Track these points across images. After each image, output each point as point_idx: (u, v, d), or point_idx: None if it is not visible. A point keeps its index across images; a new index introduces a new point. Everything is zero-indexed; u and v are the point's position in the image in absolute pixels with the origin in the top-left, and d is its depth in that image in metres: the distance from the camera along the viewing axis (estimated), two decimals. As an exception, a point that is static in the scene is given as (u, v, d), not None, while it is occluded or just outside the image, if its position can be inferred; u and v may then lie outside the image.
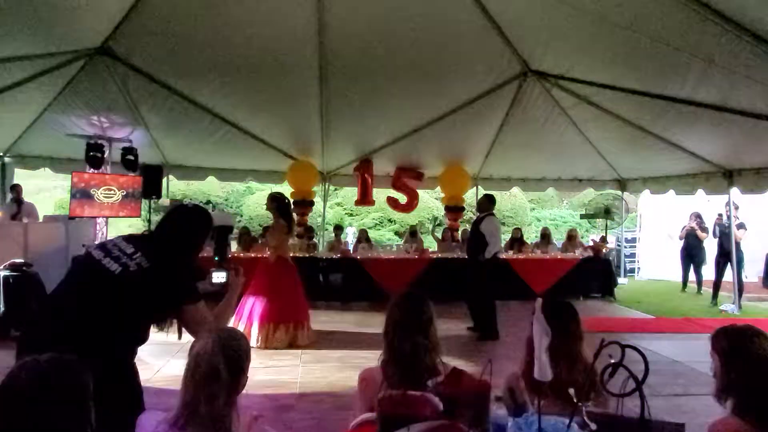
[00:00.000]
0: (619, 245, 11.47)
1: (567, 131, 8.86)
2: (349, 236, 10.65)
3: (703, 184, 8.53)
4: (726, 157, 7.49)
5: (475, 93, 7.83)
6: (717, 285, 8.62)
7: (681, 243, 10.05)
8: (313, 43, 6.60)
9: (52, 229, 7.90)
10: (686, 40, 4.53)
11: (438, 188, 11.74)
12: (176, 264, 2.08)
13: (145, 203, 10.35)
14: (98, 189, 8.37)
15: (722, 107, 5.61)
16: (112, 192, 8.53)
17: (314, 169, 9.59)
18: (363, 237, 9.67)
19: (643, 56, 5.28)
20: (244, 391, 1.61)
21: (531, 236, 15.15)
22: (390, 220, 17.03)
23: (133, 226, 12.14)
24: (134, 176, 8.89)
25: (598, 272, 9.05)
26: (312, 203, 10.14)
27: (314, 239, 9.73)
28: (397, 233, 16.52)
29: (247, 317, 5.58)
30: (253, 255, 8.03)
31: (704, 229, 9.60)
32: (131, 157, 8.68)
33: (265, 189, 10.47)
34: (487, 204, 6.40)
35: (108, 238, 2.25)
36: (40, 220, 8.35)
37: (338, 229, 10.56)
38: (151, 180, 9.49)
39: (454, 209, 10.47)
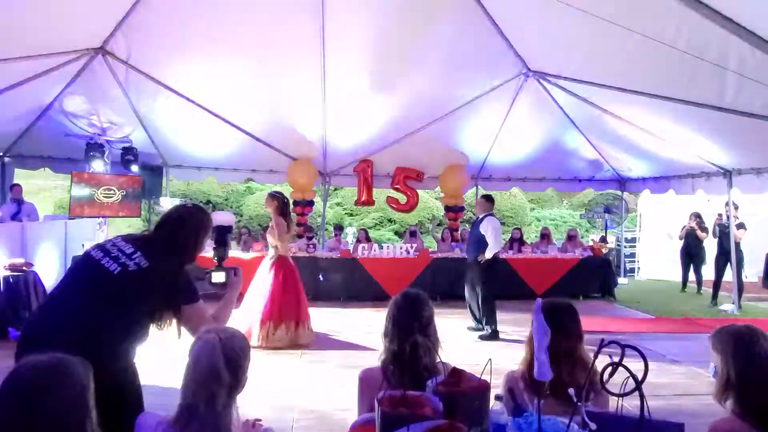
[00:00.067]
0: (619, 245, 11.47)
1: (567, 131, 8.88)
2: (349, 236, 10.63)
3: (703, 184, 8.53)
4: (726, 157, 7.49)
5: (475, 93, 7.84)
6: (717, 285, 8.62)
7: (681, 243, 10.05)
8: (315, 42, 6.60)
9: (52, 229, 7.91)
10: (687, 40, 4.53)
11: (438, 188, 11.75)
12: (176, 264, 2.08)
13: (144, 203, 10.36)
14: (98, 189, 8.38)
15: (722, 107, 5.61)
16: (112, 192, 8.54)
17: (314, 169, 9.59)
18: (363, 237, 9.67)
19: (642, 56, 5.28)
20: (244, 391, 1.61)
21: (531, 236, 15.15)
22: (390, 220, 17.02)
23: (133, 226, 12.13)
24: (134, 176, 8.89)
25: (598, 272, 9.04)
26: (312, 203, 10.14)
27: (314, 239, 9.73)
28: (397, 233, 16.52)
29: (247, 316, 5.58)
30: (252, 255, 8.03)
31: (704, 229, 9.60)
32: (131, 157, 8.69)
33: (265, 189, 10.45)
34: (486, 204, 6.40)
35: (107, 238, 2.24)
36: (40, 220, 8.34)
37: (338, 229, 10.55)
38: (151, 180, 9.51)
39: (454, 209, 10.48)
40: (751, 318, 7.31)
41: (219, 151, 9.21)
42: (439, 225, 12.23)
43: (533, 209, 19.30)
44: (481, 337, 6.13)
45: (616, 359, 1.40)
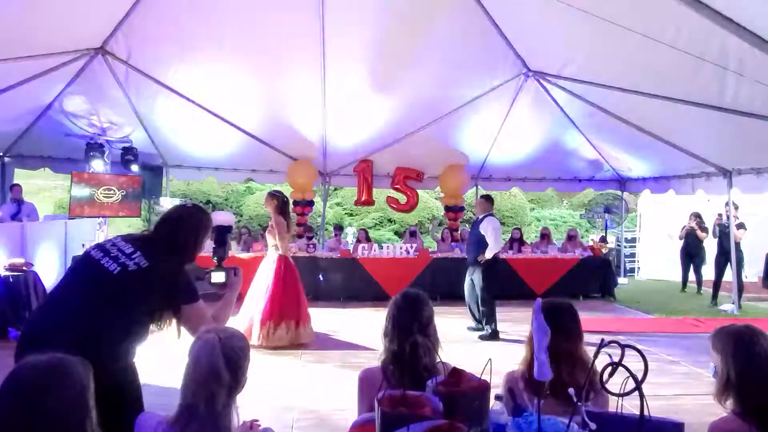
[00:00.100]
0: (619, 245, 11.46)
1: (567, 131, 8.88)
2: (349, 236, 10.63)
3: (703, 184, 8.53)
4: (726, 157, 7.49)
5: (475, 93, 7.85)
6: (717, 285, 8.62)
7: (681, 243, 10.05)
8: (315, 42, 6.60)
9: (52, 229, 7.91)
10: (686, 40, 4.53)
11: (438, 188, 11.75)
12: (175, 264, 2.08)
13: (144, 203, 10.36)
14: (98, 189, 8.38)
15: (722, 107, 5.61)
16: (112, 192, 8.54)
17: (314, 169, 9.59)
18: (363, 237, 9.67)
19: (642, 56, 5.28)
20: (244, 391, 1.61)
21: (531, 236, 15.15)
22: (390, 220, 17.02)
23: (133, 226, 12.14)
24: (134, 176, 8.89)
25: (598, 272, 9.04)
26: (312, 203, 10.15)
27: (314, 239, 9.73)
28: (397, 233, 16.52)
29: (248, 315, 5.59)
30: (252, 255, 8.03)
31: (704, 229, 9.60)
32: (131, 157, 8.69)
33: (265, 189, 10.44)
34: (486, 204, 6.39)
35: (107, 238, 2.24)
36: (40, 220, 8.34)
37: (338, 229, 10.55)
38: (151, 180, 9.51)
39: (454, 209, 10.49)
40: (751, 318, 7.31)
41: (219, 151, 9.21)
42: (440, 225, 12.23)
43: (533, 209, 19.30)
44: (481, 337, 6.13)
45: (616, 359, 1.40)
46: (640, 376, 1.36)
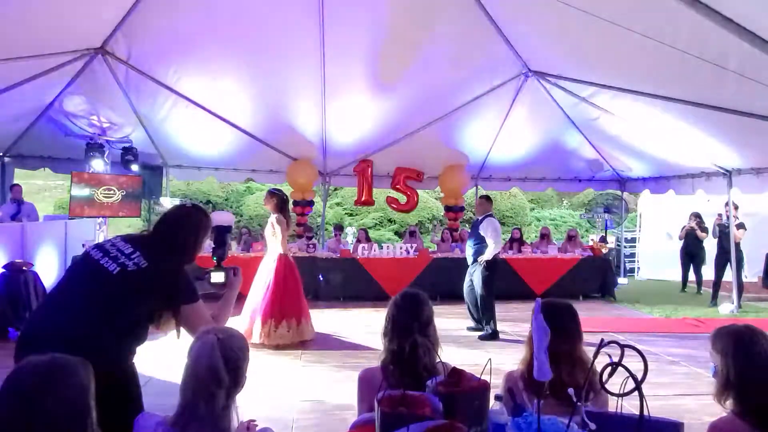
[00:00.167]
0: (619, 245, 11.46)
1: (567, 131, 8.88)
2: (349, 236, 10.63)
3: (703, 184, 8.53)
4: (726, 157, 7.49)
5: (475, 93, 7.85)
6: (717, 285, 8.62)
7: (681, 243, 10.05)
8: (314, 42, 6.60)
9: (52, 229, 7.91)
10: (687, 40, 4.53)
11: (438, 188, 11.75)
12: (175, 264, 2.08)
13: (144, 203, 10.36)
14: (98, 189, 8.39)
15: (722, 107, 5.61)
16: (112, 192, 8.54)
17: (314, 169, 9.60)
18: (363, 237, 9.67)
19: (642, 56, 5.28)
20: (244, 391, 1.61)
21: (531, 236, 15.15)
22: (390, 220, 17.02)
23: (133, 226, 12.14)
24: (134, 176, 8.89)
25: (598, 272, 9.04)
26: (312, 203, 10.15)
27: (314, 239, 9.73)
28: (397, 233, 16.52)
29: (248, 314, 5.59)
30: (252, 255, 8.03)
31: (704, 229, 9.60)
32: (131, 157, 8.69)
33: (265, 189, 10.46)
34: (486, 205, 6.39)
35: (107, 238, 2.24)
36: (40, 220, 8.34)
37: (338, 229, 10.56)
38: (151, 180, 9.51)
39: (454, 209, 10.49)
40: (751, 318, 7.31)
41: (219, 151, 9.21)
42: (440, 225, 12.23)
43: (533, 209, 19.30)
44: (481, 337, 6.13)
45: (615, 359, 1.40)
46: (639, 376, 1.36)
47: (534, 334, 1.50)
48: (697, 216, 9.76)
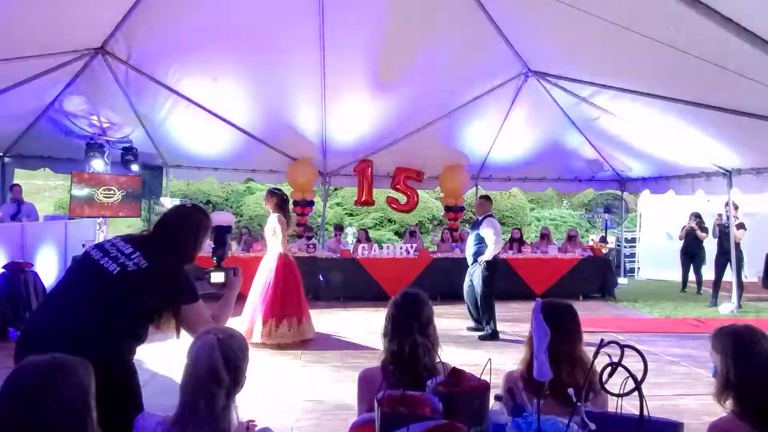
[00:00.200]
0: (619, 245, 11.46)
1: (567, 131, 8.88)
2: (349, 236, 10.63)
3: (703, 184, 8.53)
4: (726, 157, 7.49)
5: (475, 93, 7.85)
6: (717, 285, 8.61)
7: (681, 243, 10.05)
8: (314, 42, 6.60)
9: (52, 229, 7.91)
10: (686, 40, 4.53)
11: (438, 188, 11.74)
12: (175, 264, 2.08)
13: (144, 203, 10.36)
14: (98, 189, 8.39)
15: (722, 107, 5.61)
16: (112, 192, 8.54)
17: (314, 169, 9.60)
18: (363, 237, 9.67)
19: (642, 56, 5.28)
20: (243, 392, 1.61)
21: (531, 236, 15.15)
22: (390, 220, 17.02)
23: (133, 226, 12.14)
24: (134, 176, 8.89)
25: (598, 272, 9.04)
26: (312, 203, 10.15)
27: (313, 239, 9.73)
28: (397, 233, 16.51)
29: (249, 314, 5.60)
30: (252, 255, 8.03)
31: (704, 229, 9.60)
32: (131, 157, 8.69)
33: (265, 189, 10.47)
34: (486, 205, 6.39)
35: (107, 238, 2.24)
36: (40, 220, 8.34)
37: (338, 229, 10.56)
38: (151, 180, 9.51)
39: (454, 209, 10.49)
40: (751, 318, 7.31)
41: (219, 151, 9.21)
42: (440, 225, 12.23)
43: (533, 209, 19.29)
44: (481, 338, 6.13)
45: (615, 359, 1.40)
46: (639, 377, 1.36)
47: (534, 335, 1.51)
48: (697, 216, 9.76)
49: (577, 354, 1.94)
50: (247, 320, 5.54)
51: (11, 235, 6.69)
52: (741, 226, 8.26)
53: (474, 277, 6.24)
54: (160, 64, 7.09)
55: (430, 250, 9.26)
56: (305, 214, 10.10)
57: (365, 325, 6.49)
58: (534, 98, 7.89)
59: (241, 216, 16.24)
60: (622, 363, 1.38)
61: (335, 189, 16.04)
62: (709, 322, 6.85)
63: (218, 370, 1.49)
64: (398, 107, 8.07)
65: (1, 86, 6.45)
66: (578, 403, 1.46)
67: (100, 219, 9.18)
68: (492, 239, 6.04)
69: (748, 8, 3.81)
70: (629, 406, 1.56)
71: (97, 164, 8.33)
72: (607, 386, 1.48)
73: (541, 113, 8.32)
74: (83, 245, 6.80)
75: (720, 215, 8.82)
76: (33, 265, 6.27)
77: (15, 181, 8.60)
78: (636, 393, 1.37)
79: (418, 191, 10.22)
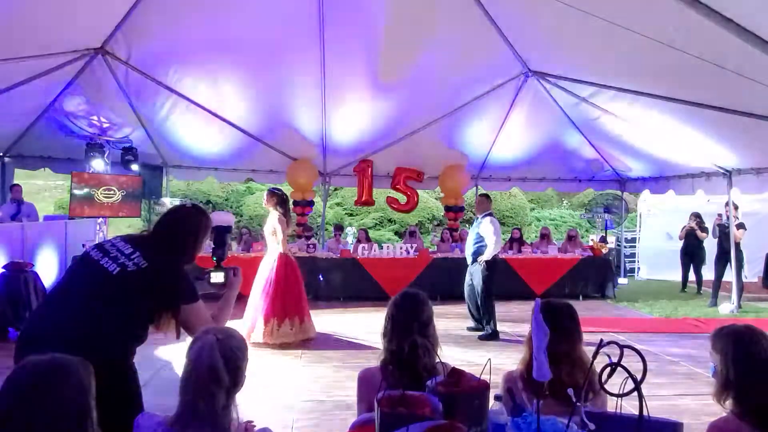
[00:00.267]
0: (619, 245, 11.46)
1: (567, 131, 8.88)
2: (349, 236, 10.63)
3: (703, 184, 8.53)
4: (726, 157, 7.49)
5: (475, 93, 7.85)
6: (717, 285, 8.61)
7: (681, 243, 10.05)
8: (314, 42, 6.60)
9: (52, 229, 7.91)
10: (686, 40, 4.53)
11: (438, 188, 11.74)
12: (175, 264, 2.08)
13: (144, 203, 10.36)
14: (98, 189, 8.39)
15: (722, 107, 5.61)
16: (112, 192, 8.54)
17: (314, 169, 9.60)
18: (363, 237, 9.67)
19: (642, 56, 5.28)
20: (244, 391, 1.61)
21: (531, 236, 15.14)
22: (390, 220, 17.02)
23: (133, 226, 12.14)
24: (134, 176, 8.89)
25: (598, 272, 9.04)
26: (312, 203, 10.15)
27: (312, 239, 9.73)
28: (397, 233, 16.51)
29: (250, 314, 5.60)
30: (252, 255, 8.03)
31: (704, 229, 9.60)
32: (131, 157, 8.69)
33: (265, 189, 10.49)
34: (485, 203, 6.38)
35: (107, 238, 2.24)
36: (40, 220, 8.34)
37: (338, 229, 10.56)
38: (151, 180, 9.51)
39: (454, 209, 10.49)
40: (751, 318, 7.31)
41: (219, 151, 9.21)
42: (439, 225, 12.23)
43: (533, 209, 19.29)
44: (481, 337, 6.13)
45: (615, 359, 1.40)
46: (639, 377, 1.36)
47: (533, 335, 1.50)
48: (697, 216, 9.76)
49: (576, 354, 1.94)
50: (249, 320, 5.55)
51: (11, 235, 6.69)
52: (741, 226, 8.26)
53: (474, 277, 6.24)
54: (160, 64, 7.09)
55: (430, 250, 9.27)
56: (305, 214, 10.10)
57: (365, 325, 6.49)
58: (534, 98, 7.90)
59: (241, 216, 16.24)
60: (622, 363, 1.38)
61: (335, 189, 16.04)
62: (709, 322, 6.85)
63: (218, 370, 1.49)
64: (398, 107, 8.07)
65: (1, 86, 6.45)
66: (578, 403, 1.46)
67: (100, 219, 9.18)
68: (492, 238, 6.04)
69: (748, 8, 3.81)
70: (629, 406, 1.56)
71: (97, 164, 8.33)
72: (606, 386, 1.48)
73: (541, 113, 8.32)
74: (83, 245, 6.80)
75: (720, 215, 8.82)
76: (33, 265, 6.27)
77: (15, 181, 8.60)
78: (635, 393, 1.37)
79: (418, 191, 10.22)
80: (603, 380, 1.47)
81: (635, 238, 12.78)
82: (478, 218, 6.38)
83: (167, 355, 4.77)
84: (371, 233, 12.61)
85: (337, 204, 17.62)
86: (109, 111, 7.96)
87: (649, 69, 5.59)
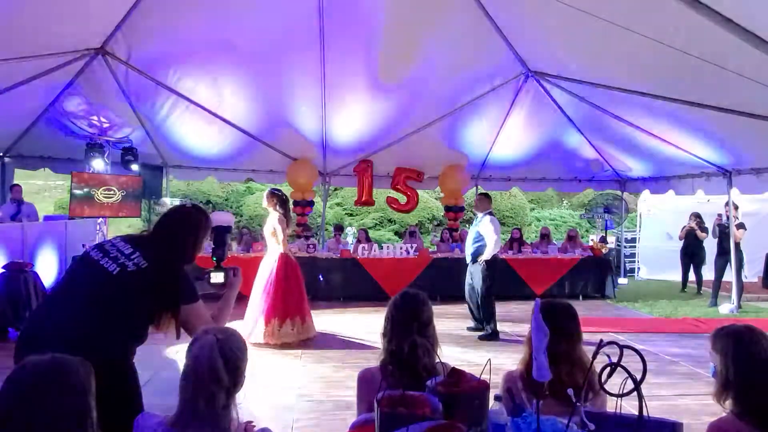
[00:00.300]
0: (619, 245, 11.46)
1: (567, 131, 8.88)
2: (349, 236, 10.63)
3: (703, 184, 8.53)
4: (726, 157, 7.49)
5: (475, 93, 7.85)
6: (717, 285, 8.62)
7: (681, 243, 10.05)
8: (315, 42, 6.60)
9: (52, 229, 7.91)
10: (686, 40, 4.53)
11: (438, 188, 11.74)
12: (175, 264, 2.08)
13: (144, 203, 10.36)
14: (98, 189, 8.38)
15: (722, 107, 5.61)
16: (112, 192, 8.54)
17: (314, 169, 9.60)
18: (363, 237, 9.67)
19: (642, 56, 5.28)
20: (244, 391, 1.61)
21: (531, 236, 15.14)
22: (390, 220, 17.02)
23: (133, 226, 12.14)
24: (134, 176, 8.89)
25: (598, 272, 9.05)
26: (312, 203, 10.15)
27: (312, 239, 9.73)
28: (397, 233, 16.52)
29: (251, 314, 5.60)
30: (253, 255, 8.03)
31: (704, 229, 9.60)
32: (131, 157, 8.69)
33: (265, 189, 10.50)
34: (485, 202, 6.37)
35: (107, 239, 2.24)
36: (40, 220, 8.34)
37: (338, 229, 10.56)
38: (151, 180, 9.51)
39: (454, 209, 10.49)
40: (751, 318, 7.31)
41: (219, 151, 9.21)
42: (439, 225, 12.23)
43: (533, 209, 19.29)
44: (481, 337, 6.13)
45: (615, 359, 1.41)
46: (639, 377, 1.36)
47: (533, 335, 1.51)
48: (697, 216, 9.77)
49: (576, 354, 1.94)
50: (250, 320, 5.56)
51: (11, 235, 6.69)
52: (741, 226, 8.26)
53: (474, 277, 6.24)
54: (160, 65, 7.09)
55: (430, 250, 9.26)
56: (305, 214, 10.10)
57: (365, 325, 6.49)
58: (534, 98, 7.89)
59: (241, 216, 16.24)
60: (622, 363, 1.39)
61: (335, 189, 16.04)
62: (709, 322, 6.85)
63: (218, 370, 1.49)
64: (398, 107, 8.07)
65: (1, 86, 6.45)
66: (577, 404, 1.46)
67: (100, 219, 9.17)
68: (492, 237, 6.04)
69: (748, 8, 3.81)
70: (628, 407, 1.56)
71: (97, 164, 8.33)
72: (606, 386, 1.48)
73: (541, 113, 8.32)
74: (83, 245, 6.80)
75: (720, 215, 8.82)
76: (33, 265, 6.28)
77: (15, 181, 8.60)
78: (635, 393, 1.37)
79: (418, 191, 10.22)
80: (603, 380, 1.47)
81: (635, 238, 12.78)
82: (478, 216, 6.38)
83: (167, 355, 4.77)
84: (371, 233, 12.61)
85: (337, 204, 17.62)
86: (109, 111, 7.95)
87: (649, 69, 5.59)
